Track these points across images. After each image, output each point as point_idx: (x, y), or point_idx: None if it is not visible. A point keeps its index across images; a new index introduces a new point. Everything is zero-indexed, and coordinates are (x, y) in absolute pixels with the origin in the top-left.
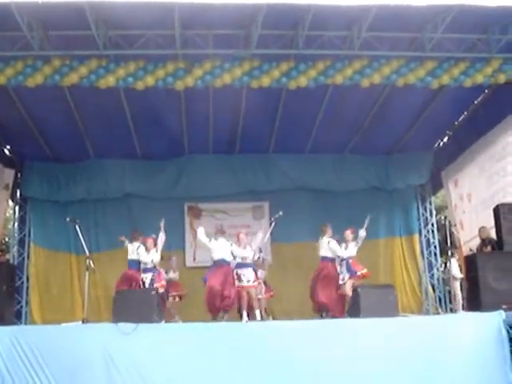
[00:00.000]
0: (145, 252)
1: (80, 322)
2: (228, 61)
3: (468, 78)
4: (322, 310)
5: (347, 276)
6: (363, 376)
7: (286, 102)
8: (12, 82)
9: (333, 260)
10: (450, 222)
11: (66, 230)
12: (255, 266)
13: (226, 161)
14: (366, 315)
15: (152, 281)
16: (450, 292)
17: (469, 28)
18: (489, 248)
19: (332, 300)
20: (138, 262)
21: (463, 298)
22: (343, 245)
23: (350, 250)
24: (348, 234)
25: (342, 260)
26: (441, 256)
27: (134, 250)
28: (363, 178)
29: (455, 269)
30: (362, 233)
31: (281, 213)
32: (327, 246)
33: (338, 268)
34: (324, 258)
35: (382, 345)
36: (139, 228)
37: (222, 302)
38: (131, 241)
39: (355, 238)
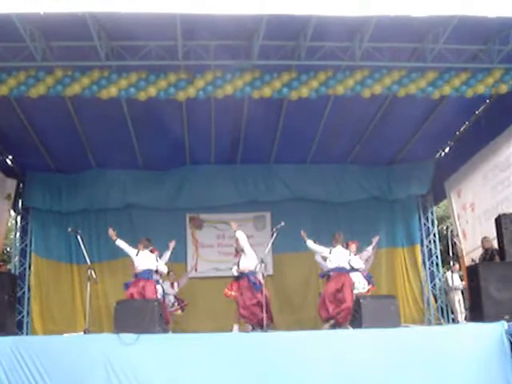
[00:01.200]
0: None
1: (82, 333)
2: (230, 71)
3: (469, 89)
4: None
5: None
6: None
7: (288, 112)
8: (14, 92)
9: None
10: (451, 232)
11: (67, 240)
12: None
13: (227, 171)
14: (367, 326)
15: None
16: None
17: (470, 38)
18: (493, 258)
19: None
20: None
21: (465, 309)
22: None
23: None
24: (353, 247)
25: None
26: (442, 266)
27: (152, 259)
28: (364, 188)
29: (455, 280)
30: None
31: (283, 223)
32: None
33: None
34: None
35: (384, 355)
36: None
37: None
38: (143, 248)
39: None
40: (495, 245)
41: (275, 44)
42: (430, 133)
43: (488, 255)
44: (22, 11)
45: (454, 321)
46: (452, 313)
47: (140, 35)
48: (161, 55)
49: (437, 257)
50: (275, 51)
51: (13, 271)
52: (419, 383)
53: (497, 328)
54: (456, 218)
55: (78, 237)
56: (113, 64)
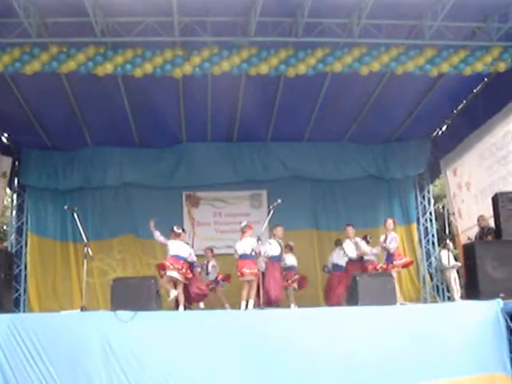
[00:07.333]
0: None
1: (78, 310)
2: (226, 48)
3: (468, 67)
4: None
5: None
6: (361, 363)
7: (285, 90)
8: (9, 69)
9: None
10: (448, 210)
11: (63, 218)
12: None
13: (224, 149)
14: (364, 303)
15: None
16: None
17: (469, 16)
18: (488, 237)
19: None
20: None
21: (461, 287)
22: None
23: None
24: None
25: None
26: (438, 245)
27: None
28: (361, 166)
29: (448, 259)
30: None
31: (279, 201)
32: None
33: None
34: None
35: (380, 333)
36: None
37: None
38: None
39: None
40: (491, 223)
41: (272, 20)
42: (427, 111)
43: (484, 234)
44: None
45: (450, 299)
46: (448, 291)
47: (136, 11)
48: (157, 32)
49: (433, 235)
50: (272, 28)
51: (9, 249)
52: (415, 360)
53: (492, 306)
54: (452, 197)
55: (75, 214)
56: (108, 40)
